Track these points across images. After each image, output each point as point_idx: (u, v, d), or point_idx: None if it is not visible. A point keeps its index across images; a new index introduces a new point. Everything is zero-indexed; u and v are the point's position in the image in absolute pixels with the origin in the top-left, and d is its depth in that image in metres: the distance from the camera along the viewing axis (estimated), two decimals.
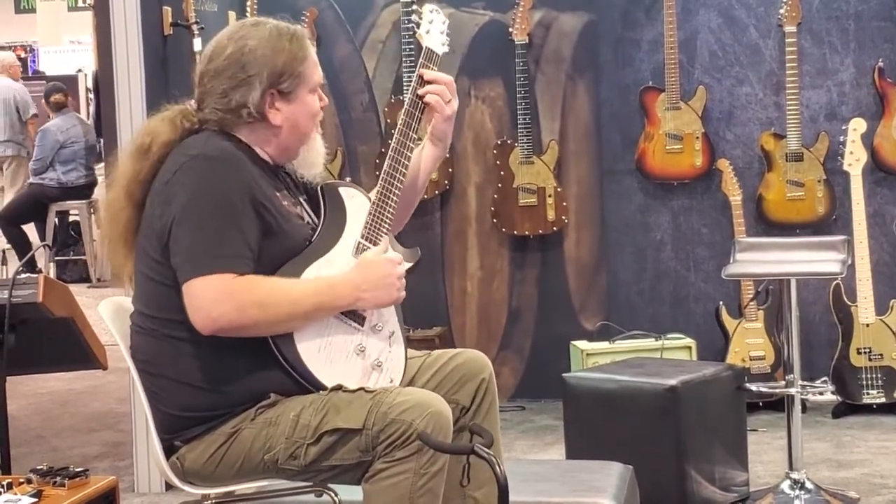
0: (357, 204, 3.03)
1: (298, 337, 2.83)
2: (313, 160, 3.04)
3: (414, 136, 3.10)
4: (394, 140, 3.08)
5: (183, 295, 2.77)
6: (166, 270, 2.83)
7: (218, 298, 2.74)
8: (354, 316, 2.92)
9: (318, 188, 3.06)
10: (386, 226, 3.01)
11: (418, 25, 3.21)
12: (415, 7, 3.26)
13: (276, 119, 2.94)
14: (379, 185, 3.03)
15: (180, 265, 2.78)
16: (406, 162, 3.06)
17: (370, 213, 3.00)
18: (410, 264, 3.08)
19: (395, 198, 3.03)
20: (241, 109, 2.91)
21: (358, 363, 2.91)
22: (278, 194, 2.93)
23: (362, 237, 2.98)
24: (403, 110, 3.12)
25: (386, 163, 3.05)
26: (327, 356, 2.86)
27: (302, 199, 3.04)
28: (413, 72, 5.96)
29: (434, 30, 3.20)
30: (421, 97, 3.11)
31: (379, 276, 2.91)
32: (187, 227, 2.78)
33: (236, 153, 2.88)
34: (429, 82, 3.12)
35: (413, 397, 2.77)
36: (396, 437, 2.72)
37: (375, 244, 2.98)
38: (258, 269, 2.80)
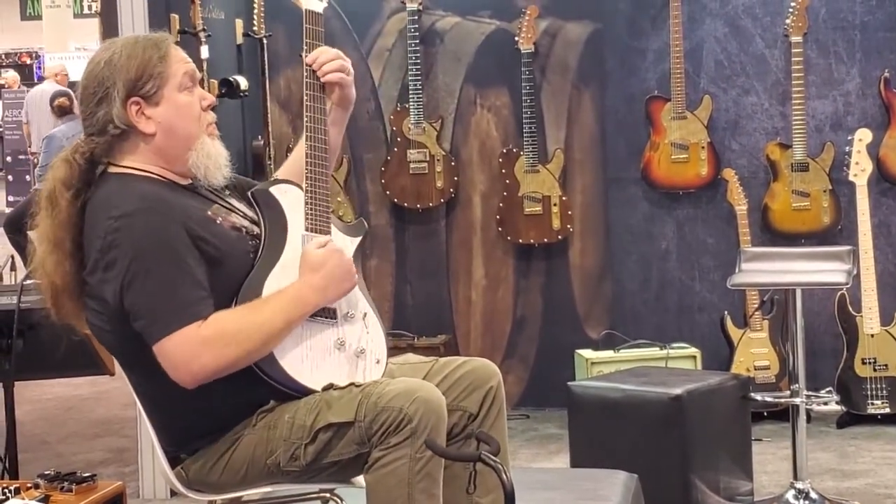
0: (292, 198, 2.95)
1: (279, 354, 2.81)
2: (216, 165, 2.92)
3: (323, 107, 3.01)
4: (305, 119, 2.99)
5: (157, 356, 2.74)
6: (120, 324, 2.79)
7: (192, 353, 2.72)
8: (325, 312, 2.90)
9: (249, 195, 2.99)
10: (327, 210, 2.96)
11: None
12: None
13: (149, 127, 2.86)
14: (305, 171, 2.96)
15: (144, 328, 2.75)
16: (323, 137, 2.99)
17: (307, 203, 2.94)
18: (359, 239, 3.05)
19: (323, 180, 2.97)
20: (108, 126, 2.84)
21: (342, 357, 2.90)
22: (209, 213, 2.88)
23: (307, 230, 2.93)
24: (304, 83, 3.00)
25: (305, 147, 2.98)
26: (312, 362, 2.85)
27: (233, 203, 2.99)
28: (419, 79, 6.01)
29: None
30: (318, 77, 3.01)
31: (331, 268, 2.87)
32: (139, 289, 2.73)
33: (156, 193, 2.83)
34: (315, 70, 3.02)
35: (401, 385, 2.78)
36: (388, 424, 2.72)
37: (322, 232, 2.93)
38: (215, 300, 2.77)
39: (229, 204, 2.97)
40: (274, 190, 2.97)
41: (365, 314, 2.98)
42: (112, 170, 2.89)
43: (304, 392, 2.84)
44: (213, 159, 2.92)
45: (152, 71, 2.85)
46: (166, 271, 2.73)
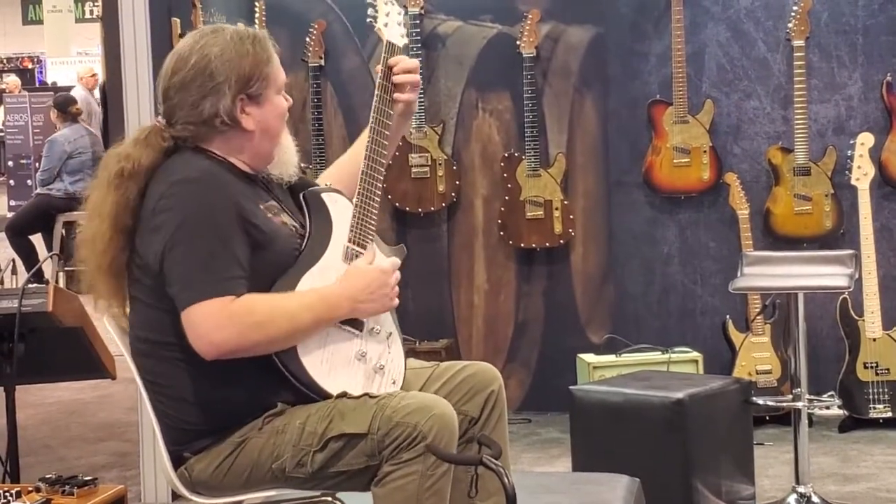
0: (340, 208, 3.02)
1: (301, 350, 2.83)
2: (287, 160, 3.03)
3: (386, 132, 3.08)
4: (368, 140, 3.06)
5: (182, 322, 2.77)
6: (159, 294, 2.83)
7: (218, 325, 2.74)
8: (352, 322, 2.93)
9: (301, 196, 3.04)
10: (371, 227, 3.01)
11: (375, 19, 3.18)
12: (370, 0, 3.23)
13: (249, 124, 2.92)
14: (359, 187, 3.02)
15: (177, 293, 2.78)
16: (382, 160, 3.06)
17: (354, 216, 3.00)
18: (398, 262, 3.08)
19: (376, 197, 3.03)
20: (214, 119, 2.89)
21: (360, 369, 2.92)
22: (262, 206, 2.92)
23: (350, 241, 2.98)
24: (374, 108, 3.08)
25: (363, 164, 3.04)
26: (330, 366, 2.87)
27: (285, 205, 3.03)
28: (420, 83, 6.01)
29: (392, 22, 3.18)
30: (392, 98, 3.11)
31: (373, 285, 2.92)
32: (179, 254, 2.77)
33: (217, 171, 2.88)
34: (394, 71, 3.12)
35: (417, 400, 2.79)
36: (402, 439, 2.73)
37: (363, 246, 2.99)
38: (251, 285, 2.80)
39: (282, 205, 3.01)
40: (325, 196, 3.03)
41: (390, 334, 3.01)
42: (188, 144, 2.93)
43: (317, 393, 2.85)
44: (291, 154, 3.03)
45: (261, 72, 2.93)
46: (209, 242, 2.77)
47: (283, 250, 2.90)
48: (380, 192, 3.05)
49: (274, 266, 2.87)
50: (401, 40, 3.17)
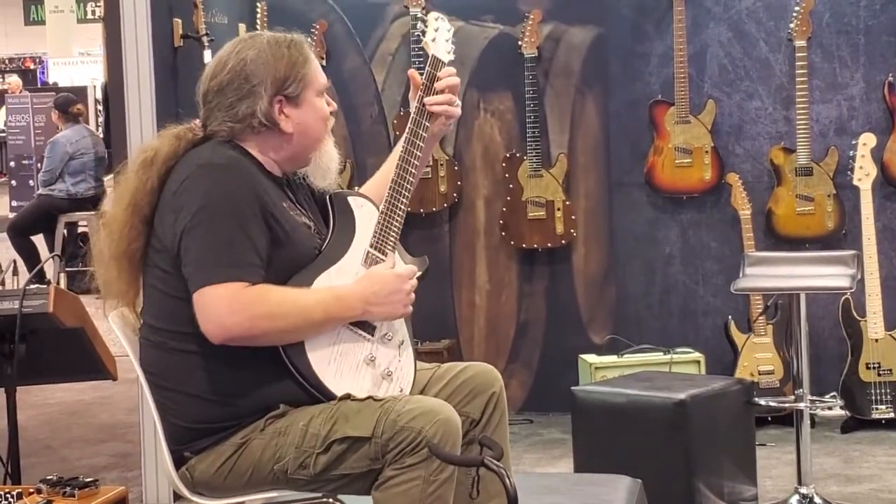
0: (366, 213, 3.04)
1: (310, 348, 2.84)
2: (327, 167, 3.04)
3: (421, 144, 3.10)
4: (401, 150, 3.09)
5: (194, 303, 2.78)
6: (177, 282, 2.84)
7: (229, 309, 2.75)
8: (364, 326, 2.94)
9: (327, 197, 3.07)
10: (394, 235, 3.02)
11: (424, 33, 3.22)
12: (420, 15, 3.27)
13: (287, 126, 2.95)
14: (387, 194, 3.04)
15: (191, 274, 2.79)
16: (413, 171, 3.07)
17: (378, 223, 3.02)
18: (419, 273, 3.10)
19: (402, 206, 3.05)
20: (251, 119, 2.92)
21: (368, 373, 2.92)
22: (285, 204, 2.94)
23: (371, 246, 2.99)
24: (411, 119, 3.12)
25: (394, 172, 3.06)
26: (338, 366, 2.87)
27: (308, 211, 3.04)
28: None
29: (440, 38, 3.20)
30: (429, 109, 3.12)
31: (387, 289, 2.92)
32: (197, 236, 2.79)
33: (244, 162, 2.90)
34: (435, 88, 3.14)
35: (422, 405, 2.79)
36: (406, 444, 2.73)
37: (384, 253, 3.00)
38: (267, 279, 2.81)
39: (304, 209, 3.03)
40: (351, 200, 3.07)
41: (402, 342, 3.02)
42: (219, 138, 2.96)
43: (322, 393, 2.85)
44: (332, 161, 3.05)
45: (297, 73, 2.96)
46: (229, 227, 2.79)
47: (302, 248, 2.91)
48: (407, 202, 3.06)
49: (292, 262, 2.89)
50: (447, 56, 3.19)
